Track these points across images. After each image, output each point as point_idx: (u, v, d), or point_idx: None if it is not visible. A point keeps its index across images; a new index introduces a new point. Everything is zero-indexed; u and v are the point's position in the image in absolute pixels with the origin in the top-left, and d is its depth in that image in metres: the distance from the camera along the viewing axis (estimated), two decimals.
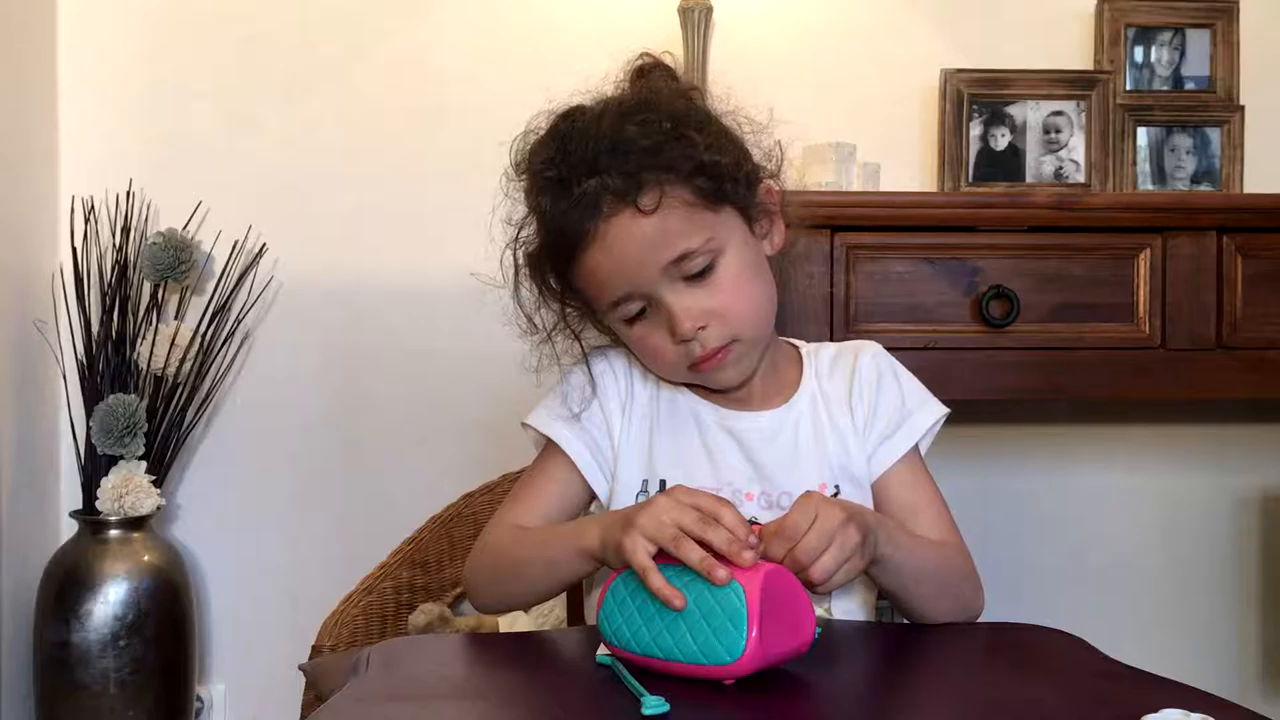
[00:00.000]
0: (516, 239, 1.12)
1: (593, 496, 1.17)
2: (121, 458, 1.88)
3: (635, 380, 1.17)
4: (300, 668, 1.76)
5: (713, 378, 1.11)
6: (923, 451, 1.19)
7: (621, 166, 1.02)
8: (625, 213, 1.02)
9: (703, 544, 0.87)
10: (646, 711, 0.75)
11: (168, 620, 1.89)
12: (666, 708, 0.75)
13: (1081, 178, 1.99)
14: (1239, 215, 1.72)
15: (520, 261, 1.12)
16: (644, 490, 1.13)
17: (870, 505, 1.14)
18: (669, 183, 1.03)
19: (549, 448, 1.17)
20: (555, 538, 1.08)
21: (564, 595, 1.63)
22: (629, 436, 1.15)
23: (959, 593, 1.10)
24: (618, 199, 1.02)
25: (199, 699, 2.02)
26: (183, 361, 1.92)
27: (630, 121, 1.04)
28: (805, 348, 1.22)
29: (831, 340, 1.56)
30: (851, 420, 1.16)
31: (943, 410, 1.18)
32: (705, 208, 1.05)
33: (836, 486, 1.13)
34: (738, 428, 1.14)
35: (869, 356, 1.19)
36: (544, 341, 1.14)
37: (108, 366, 1.92)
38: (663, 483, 1.13)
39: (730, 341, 1.08)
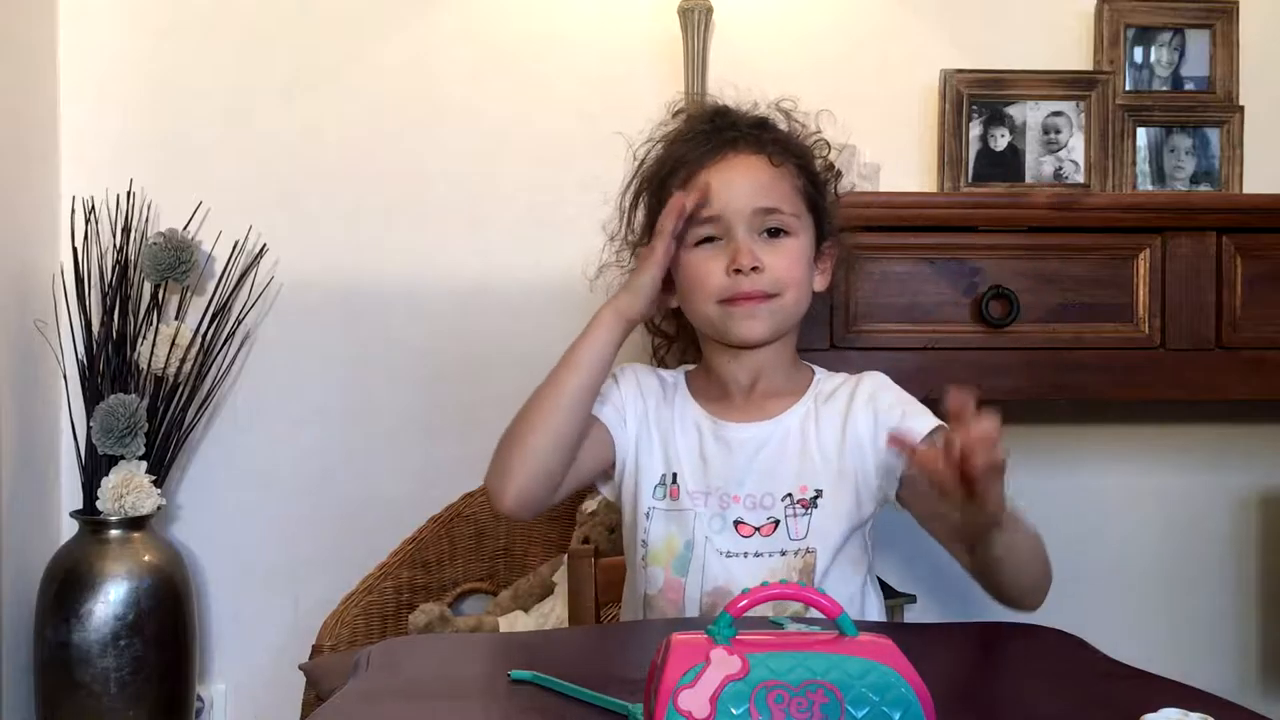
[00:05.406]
0: (640, 166, 1.31)
1: (614, 457, 1.28)
2: (122, 458, 1.88)
3: (656, 386, 1.31)
4: (301, 667, 1.77)
5: (740, 323, 1.22)
6: None
7: (765, 132, 1.27)
8: (753, 156, 1.24)
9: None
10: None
11: (168, 620, 1.89)
12: None
13: (1081, 178, 1.99)
14: (1238, 215, 1.72)
15: (636, 175, 1.31)
16: (662, 482, 1.25)
17: (871, 495, 1.23)
18: (791, 164, 1.25)
19: None
20: (568, 352, 1.21)
21: (564, 595, 1.62)
22: (652, 431, 1.27)
23: (1047, 568, 1.18)
24: (752, 145, 1.24)
25: (199, 699, 2.02)
26: (183, 362, 1.92)
27: (780, 114, 1.31)
28: (820, 373, 1.31)
29: (830, 342, 1.67)
30: (844, 424, 1.24)
31: (939, 421, 1.22)
32: (802, 199, 1.25)
33: (818, 490, 1.22)
34: (728, 437, 1.25)
35: (872, 375, 1.29)
36: (623, 246, 1.33)
37: (108, 366, 1.92)
38: (675, 475, 1.25)
39: (773, 295, 1.21)
